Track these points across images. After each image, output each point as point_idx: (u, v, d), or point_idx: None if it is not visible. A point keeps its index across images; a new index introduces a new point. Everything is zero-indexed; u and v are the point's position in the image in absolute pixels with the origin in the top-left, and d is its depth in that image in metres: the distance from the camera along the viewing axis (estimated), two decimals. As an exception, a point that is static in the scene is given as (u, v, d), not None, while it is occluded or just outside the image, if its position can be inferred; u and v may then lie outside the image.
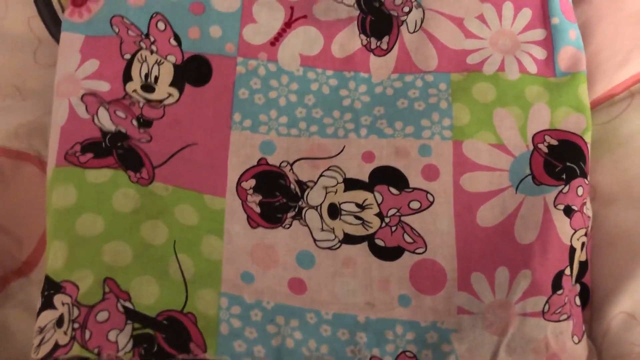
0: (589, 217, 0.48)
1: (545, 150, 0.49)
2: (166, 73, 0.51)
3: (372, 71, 0.53)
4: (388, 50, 0.53)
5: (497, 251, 0.47)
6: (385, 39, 0.53)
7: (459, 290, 0.47)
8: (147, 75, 0.50)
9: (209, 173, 0.49)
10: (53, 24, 0.55)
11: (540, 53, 0.52)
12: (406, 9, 0.53)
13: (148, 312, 0.43)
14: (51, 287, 0.44)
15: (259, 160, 0.50)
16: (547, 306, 0.45)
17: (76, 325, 0.42)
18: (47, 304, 0.43)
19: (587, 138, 0.49)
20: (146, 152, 0.48)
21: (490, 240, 0.48)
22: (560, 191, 0.47)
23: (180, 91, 0.51)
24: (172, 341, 0.43)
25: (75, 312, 0.43)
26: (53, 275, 0.44)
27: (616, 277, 0.47)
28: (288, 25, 0.53)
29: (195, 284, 0.45)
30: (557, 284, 0.45)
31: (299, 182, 0.50)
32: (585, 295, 0.49)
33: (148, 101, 0.50)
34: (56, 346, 0.42)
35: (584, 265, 0.48)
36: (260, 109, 0.51)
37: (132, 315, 0.43)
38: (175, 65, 0.51)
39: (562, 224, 0.47)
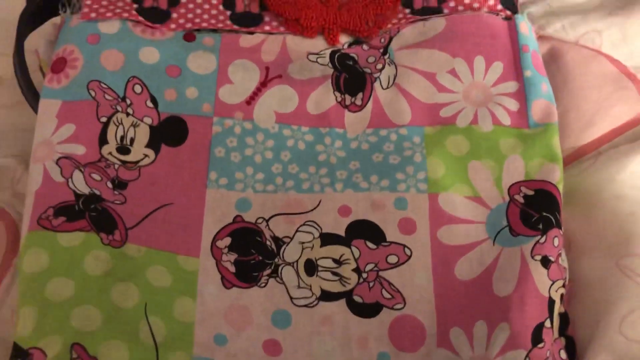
0: (565, 268, 0.47)
1: (522, 200, 0.48)
2: (142, 135, 0.51)
3: (347, 126, 0.53)
4: (362, 106, 0.53)
5: (475, 305, 0.46)
6: (360, 95, 0.53)
7: (437, 346, 0.46)
8: (122, 138, 0.51)
9: (184, 233, 0.49)
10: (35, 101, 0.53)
11: (513, 105, 0.52)
12: (379, 66, 0.54)
13: None
14: (18, 355, 0.43)
15: (235, 217, 0.50)
16: None
17: None
18: None
19: (560, 189, 0.49)
20: (120, 213, 0.48)
21: (469, 294, 0.47)
22: (537, 241, 0.46)
23: (157, 152, 0.51)
24: None
25: None
26: (21, 342, 0.43)
27: (592, 329, 0.47)
28: (264, 84, 0.53)
29: (166, 347, 0.44)
30: (537, 337, 0.44)
31: (275, 239, 0.49)
32: (572, 348, 0.47)
33: (123, 163, 0.50)
34: None
35: (564, 317, 0.47)
36: (236, 167, 0.51)
37: None
38: (151, 127, 0.51)
39: (539, 275, 0.45)
